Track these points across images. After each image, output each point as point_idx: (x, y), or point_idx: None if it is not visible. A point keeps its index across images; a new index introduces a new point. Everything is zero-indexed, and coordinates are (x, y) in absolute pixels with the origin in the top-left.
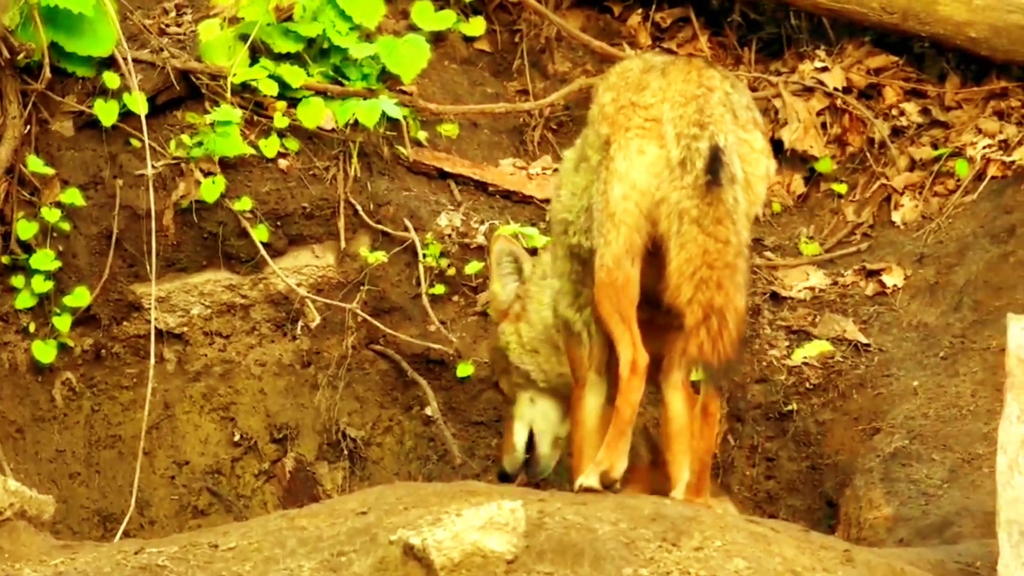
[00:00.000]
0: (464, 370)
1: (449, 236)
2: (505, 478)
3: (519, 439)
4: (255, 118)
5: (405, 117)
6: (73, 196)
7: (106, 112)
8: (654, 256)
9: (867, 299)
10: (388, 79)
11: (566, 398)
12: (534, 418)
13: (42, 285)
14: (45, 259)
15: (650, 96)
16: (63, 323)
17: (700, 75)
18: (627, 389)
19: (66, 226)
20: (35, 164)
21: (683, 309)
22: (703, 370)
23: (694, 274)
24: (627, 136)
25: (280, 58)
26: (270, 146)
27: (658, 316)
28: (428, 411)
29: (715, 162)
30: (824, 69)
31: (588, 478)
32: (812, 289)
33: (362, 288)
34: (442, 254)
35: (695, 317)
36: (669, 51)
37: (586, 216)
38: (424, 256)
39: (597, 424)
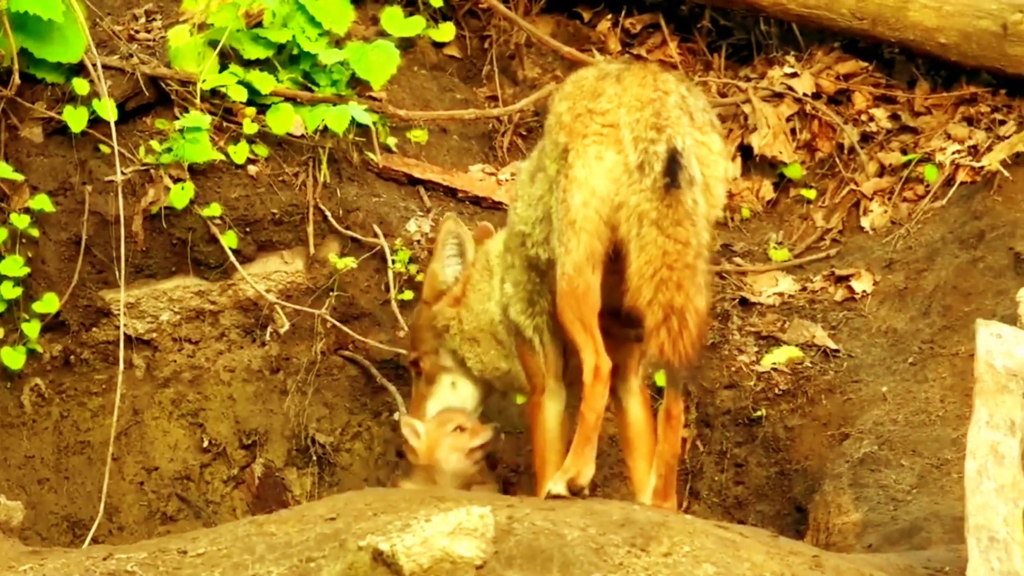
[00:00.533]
0: None
1: (418, 242)
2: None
3: None
4: (224, 124)
5: (374, 123)
6: (42, 202)
7: (75, 118)
8: (613, 263)
9: (836, 305)
10: (358, 85)
11: (489, 388)
12: (451, 403)
13: (11, 291)
14: (14, 265)
15: (606, 102)
16: (32, 329)
17: (656, 79)
18: (591, 396)
19: (35, 232)
20: (4, 170)
21: (643, 311)
22: (665, 371)
23: (654, 275)
24: (584, 143)
25: (249, 64)
26: (239, 152)
27: (614, 325)
28: (397, 417)
29: (673, 164)
30: (793, 75)
31: (556, 485)
32: (781, 295)
33: (331, 294)
34: (411, 260)
35: (655, 318)
36: (639, 57)
37: (542, 227)
38: (393, 262)
39: (559, 430)
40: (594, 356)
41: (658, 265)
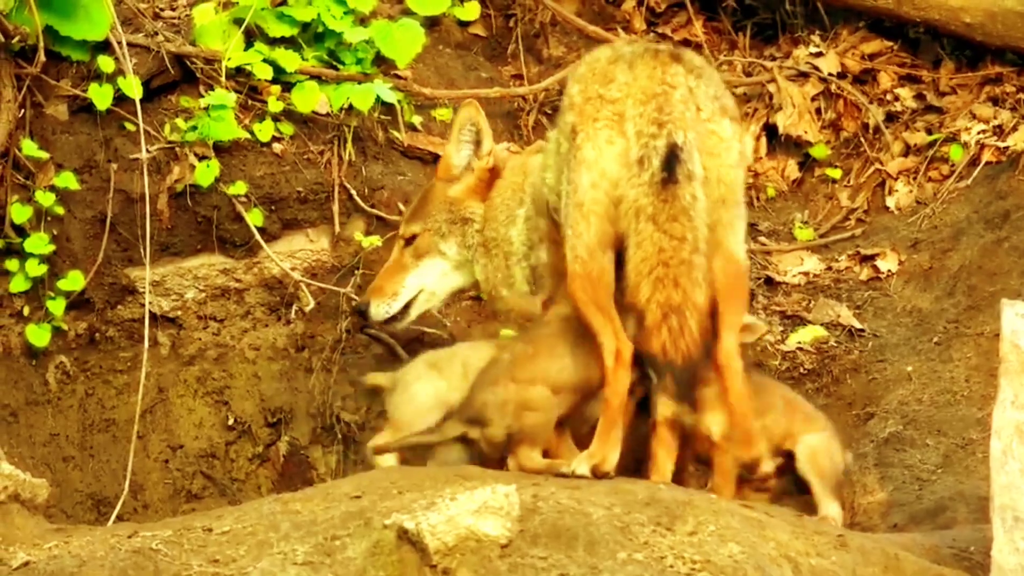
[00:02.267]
0: None
1: None
2: (362, 315)
3: (406, 293)
4: (249, 102)
5: (399, 101)
6: (67, 180)
7: (100, 96)
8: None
9: (861, 284)
10: (383, 63)
11: (470, 280)
12: (434, 287)
13: (36, 269)
14: (39, 243)
15: (616, 90)
16: (57, 307)
17: (664, 71)
18: (614, 379)
19: (60, 210)
20: (29, 148)
21: (643, 308)
22: (667, 369)
23: (651, 272)
24: (596, 126)
25: (275, 42)
26: (264, 130)
27: None
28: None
29: (672, 159)
30: (819, 54)
31: (581, 466)
32: (806, 274)
33: (356, 272)
34: None
35: (654, 316)
36: (664, 37)
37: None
38: None
39: None
40: (614, 339)
41: (654, 262)
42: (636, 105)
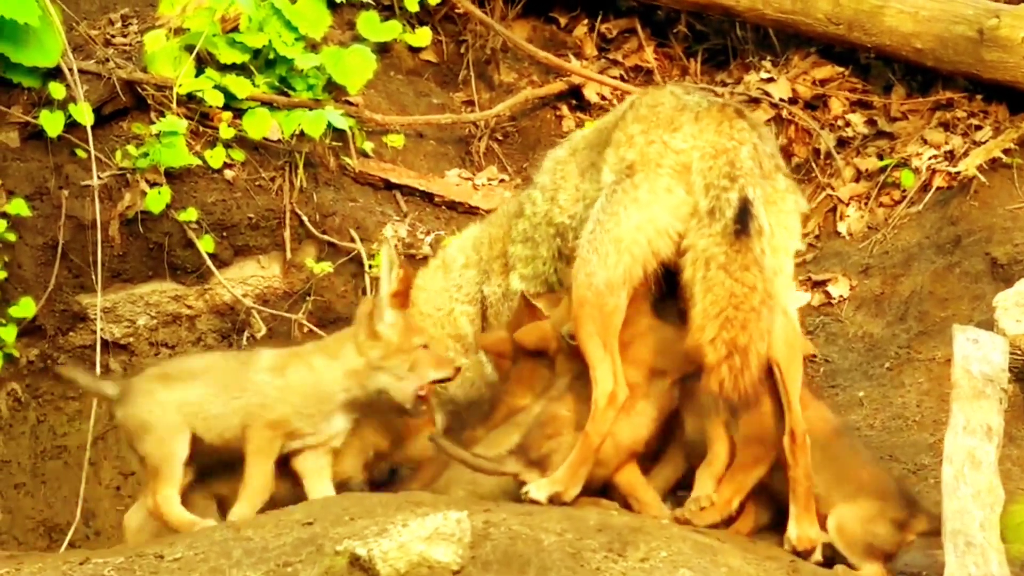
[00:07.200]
0: None
1: (395, 246)
2: None
3: None
4: (201, 129)
5: (351, 128)
6: (19, 207)
7: (52, 123)
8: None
9: (813, 310)
10: (334, 90)
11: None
12: None
13: None
14: None
15: (681, 141)
16: (8, 333)
17: (732, 126)
18: (601, 419)
19: (12, 236)
20: None
21: (705, 348)
22: (719, 406)
23: (719, 314)
24: (658, 172)
25: (226, 69)
26: (216, 157)
27: None
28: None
29: (744, 213)
30: (770, 80)
31: (539, 492)
32: None
33: (308, 298)
34: None
35: (717, 354)
36: (615, 62)
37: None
38: (370, 267)
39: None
40: (611, 380)
41: (724, 305)
42: (705, 159)
